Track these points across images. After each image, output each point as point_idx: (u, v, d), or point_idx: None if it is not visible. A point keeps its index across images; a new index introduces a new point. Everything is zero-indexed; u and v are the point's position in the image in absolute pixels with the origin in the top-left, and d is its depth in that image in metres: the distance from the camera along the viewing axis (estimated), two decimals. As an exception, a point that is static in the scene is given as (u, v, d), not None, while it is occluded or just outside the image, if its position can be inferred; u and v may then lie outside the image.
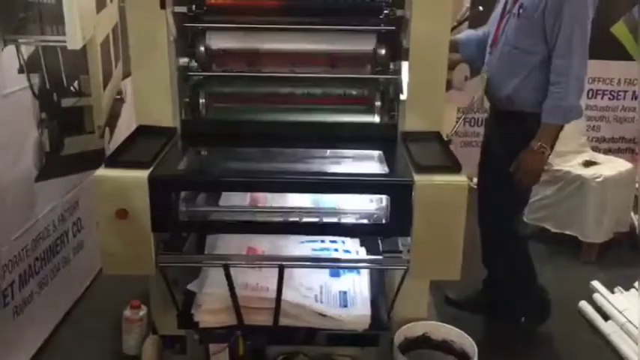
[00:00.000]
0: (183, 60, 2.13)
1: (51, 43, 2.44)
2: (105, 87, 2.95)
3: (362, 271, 2.09)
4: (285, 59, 2.13)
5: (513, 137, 2.25)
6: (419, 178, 1.74)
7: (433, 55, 2.00)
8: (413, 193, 1.74)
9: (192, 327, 1.94)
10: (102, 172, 1.76)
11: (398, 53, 2.09)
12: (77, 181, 2.67)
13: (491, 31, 2.37)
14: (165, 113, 2.06)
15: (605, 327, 2.60)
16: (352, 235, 2.03)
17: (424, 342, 2.12)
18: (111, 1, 3.01)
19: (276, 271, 1.81)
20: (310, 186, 1.81)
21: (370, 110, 2.14)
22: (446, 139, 2.13)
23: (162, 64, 2.01)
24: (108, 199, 1.73)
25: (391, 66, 2.14)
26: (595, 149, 3.77)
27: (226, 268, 1.81)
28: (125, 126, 3.14)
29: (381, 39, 2.11)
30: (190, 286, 1.98)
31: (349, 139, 2.08)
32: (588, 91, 3.89)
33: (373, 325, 1.93)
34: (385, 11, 2.05)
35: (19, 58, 2.19)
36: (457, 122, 2.32)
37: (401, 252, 1.87)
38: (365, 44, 2.10)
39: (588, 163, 3.35)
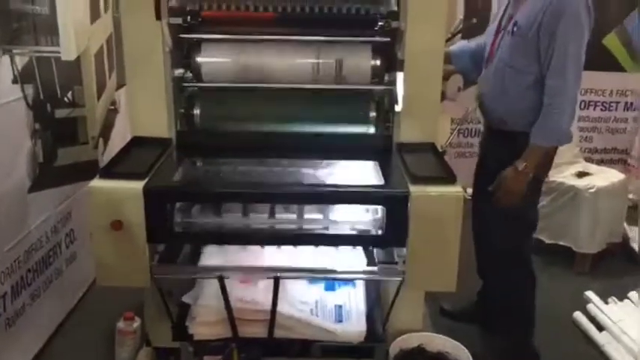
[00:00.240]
0: (179, 71, 2.13)
1: (45, 54, 2.43)
2: (99, 97, 2.95)
3: (357, 282, 2.09)
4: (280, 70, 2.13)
5: (506, 156, 2.17)
6: (414, 189, 1.75)
7: (428, 67, 2.01)
8: (408, 204, 1.74)
9: (186, 339, 1.93)
10: (97, 183, 1.75)
11: (393, 64, 2.10)
12: (70, 192, 2.65)
13: (487, 45, 2.35)
14: (161, 124, 2.06)
15: (600, 337, 2.60)
16: (348, 245, 2.02)
17: (419, 353, 2.10)
18: (105, 12, 3.01)
19: (271, 285, 1.80)
20: (306, 197, 1.81)
21: (366, 121, 2.14)
22: (440, 150, 2.14)
23: (158, 75, 2.01)
24: (103, 210, 1.72)
25: (386, 77, 2.15)
26: (588, 160, 3.79)
27: (221, 280, 1.80)
28: (119, 136, 3.13)
29: (376, 50, 2.12)
30: (185, 298, 1.97)
31: (345, 150, 2.08)
32: (581, 102, 3.91)
33: (368, 338, 1.93)
34: (380, 23, 2.07)
35: (12, 68, 2.18)
36: (451, 133, 2.33)
37: (396, 263, 1.87)
38: (360, 55, 2.11)
39: (581, 174, 3.36)
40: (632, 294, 2.84)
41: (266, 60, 2.09)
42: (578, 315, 2.76)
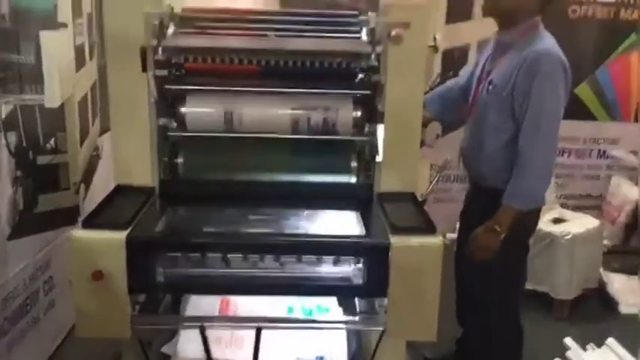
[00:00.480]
0: (163, 120, 2.15)
1: (29, 102, 2.46)
2: (82, 144, 2.96)
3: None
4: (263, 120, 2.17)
5: (487, 210, 2.18)
6: (395, 240, 1.77)
7: (407, 119, 2.07)
8: (389, 255, 1.76)
9: (166, 391, 1.91)
10: (79, 233, 1.75)
11: (373, 116, 2.15)
12: (51, 238, 2.64)
13: (472, 92, 2.36)
14: (144, 173, 2.07)
15: (580, 385, 2.61)
16: (329, 295, 2.03)
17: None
18: (90, 59, 3.05)
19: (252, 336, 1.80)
20: (288, 248, 1.83)
21: (347, 171, 2.18)
22: (420, 198, 2.18)
23: (143, 124, 2.04)
24: (84, 260, 1.72)
25: (367, 128, 2.20)
26: (563, 205, 3.87)
27: (202, 330, 1.80)
28: (101, 182, 3.13)
29: (357, 102, 2.17)
30: (165, 349, 1.95)
31: (326, 199, 2.11)
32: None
33: (350, 389, 1.92)
34: (361, 76, 2.13)
35: (-3, 117, 2.20)
36: (431, 182, 2.37)
37: (377, 313, 1.89)
38: (342, 107, 2.16)
39: (557, 220, 3.43)
40: (610, 340, 2.86)
41: (249, 111, 2.13)
42: (559, 362, 2.78)
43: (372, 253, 1.80)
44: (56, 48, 2.60)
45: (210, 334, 1.88)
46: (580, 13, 3.92)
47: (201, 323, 1.82)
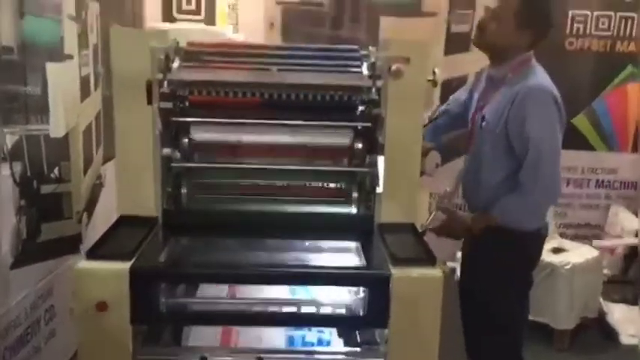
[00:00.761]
0: (167, 150, 2.18)
1: (35, 132, 2.49)
2: (85, 172, 2.99)
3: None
4: (265, 152, 2.20)
5: (487, 244, 2.20)
6: (396, 271, 1.79)
7: (407, 152, 2.11)
8: (390, 286, 1.78)
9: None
10: (83, 264, 1.77)
11: (374, 147, 2.18)
12: (53, 267, 2.65)
13: (469, 124, 2.37)
14: (148, 203, 2.10)
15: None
16: (330, 326, 2.04)
17: None
18: (95, 90, 3.10)
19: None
20: (289, 278, 1.85)
21: (348, 202, 2.20)
22: (421, 229, 2.21)
23: (147, 155, 2.07)
24: (88, 291, 1.73)
25: (367, 159, 2.23)
26: (562, 235, 3.90)
27: (204, 361, 1.81)
28: (103, 210, 3.16)
29: (358, 134, 2.20)
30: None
31: (328, 230, 2.13)
32: (554, 179, 4.06)
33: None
34: (361, 108, 2.17)
35: (2, 147, 2.23)
36: (431, 214, 2.40)
37: (378, 344, 1.90)
38: (342, 139, 2.19)
39: (557, 250, 3.45)
40: (611, 371, 2.87)
41: (251, 142, 2.16)
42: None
43: (373, 284, 1.81)
44: (62, 79, 2.65)
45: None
46: (577, 45, 4.00)
47: (203, 354, 1.82)
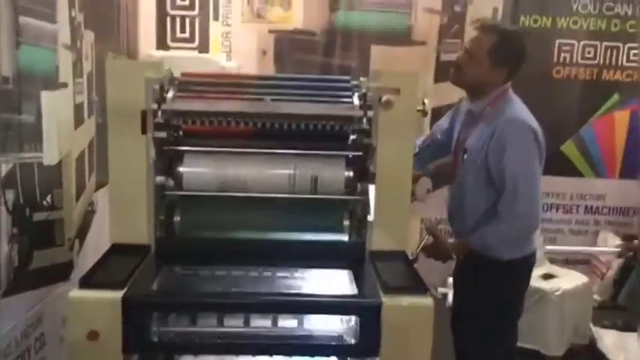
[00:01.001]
0: (160, 179, 2.20)
1: (28, 160, 2.50)
2: (77, 199, 2.99)
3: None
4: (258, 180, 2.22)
5: (476, 272, 2.25)
6: (387, 300, 1.81)
7: (397, 180, 2.13)
8: (381, 314, 1.79)
9: None
10: (76, 293, 1.77)
11: (365, 176, 2.22)
12: (43, 295, 2.64)
13: (452, 150, 2.43)
14: (140, 231, 2.11)
15: None
16: (323, 355, 2.04)
17: None
18: (88, 117, 3.12)
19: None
20: (282, 307, 1.86)
21: (340, 229, 2.22)
22: (411, 257, 2.23)
23: (140, 184, 2.09)
24: (81, 321, 1.74)
25: (359, 187, 2.26)
26: (552, 261, 3.92)
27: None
28: (95, 237, 3.15)
29: (349, 163, 2.23)
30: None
31: (319, 258, 2.15)
32: (543, 205, 4.09)
33: None
34: (352, 137, 2.20)
35: (-4, 176, 2.24)
36: (422, 241, 2.42)
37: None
38: (334, 168, 2.22)
39: (547, 276, 3.47)
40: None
41: (244, 171, 2.19)
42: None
43: (364, 312, 1.82)
44: (56, 107, 2.66)
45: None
46: (564, 73, 4.07)
47: (194, 383, 1.83)
